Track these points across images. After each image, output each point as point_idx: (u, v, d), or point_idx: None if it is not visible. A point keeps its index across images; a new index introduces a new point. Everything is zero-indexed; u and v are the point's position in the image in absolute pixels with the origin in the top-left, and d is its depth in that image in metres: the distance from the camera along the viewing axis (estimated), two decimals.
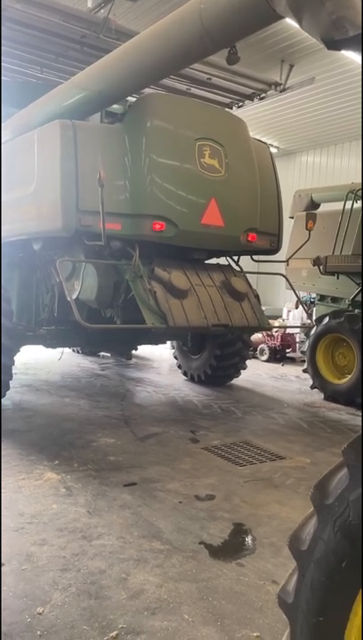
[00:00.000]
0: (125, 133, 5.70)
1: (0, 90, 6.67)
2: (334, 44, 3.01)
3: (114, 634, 2.52)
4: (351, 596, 1.29)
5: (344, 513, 1.29)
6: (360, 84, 10.55)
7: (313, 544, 1.37)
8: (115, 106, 6.33)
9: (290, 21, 3.74)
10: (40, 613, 2.65)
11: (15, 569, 3.04)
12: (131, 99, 6.60)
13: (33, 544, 3.34)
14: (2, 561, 3.10)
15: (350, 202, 8.58)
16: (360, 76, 10.28)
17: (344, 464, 1.36)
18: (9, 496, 4.03)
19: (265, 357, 11.87)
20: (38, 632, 2.51)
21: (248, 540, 3.60)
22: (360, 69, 10.01)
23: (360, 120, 12.58)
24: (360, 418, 7.20)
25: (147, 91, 6.94)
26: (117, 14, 8.09)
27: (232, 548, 3.47)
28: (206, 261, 7.00)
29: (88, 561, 3.17)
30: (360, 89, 10.78)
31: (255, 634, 2.59)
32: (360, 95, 11.01)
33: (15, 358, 6.62)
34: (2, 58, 7.71)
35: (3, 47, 7.53)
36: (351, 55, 9.43)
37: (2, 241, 6.79)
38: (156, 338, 8.00)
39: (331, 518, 1.33)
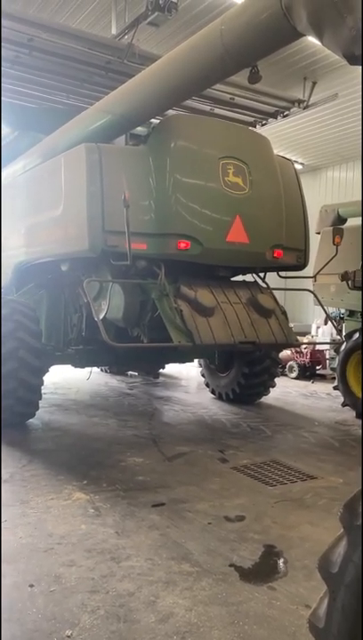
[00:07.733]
0: (149, 155, 5.78)
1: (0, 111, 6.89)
2: (355, 59, 3.02)
3: None
4: None
5: None
6: (361, 98, 10.48)
7: (344, 566, 1.32)
8: (139, 128, 6.44)
9: (312, 39, 3.76)
10: (69, 636, 2.62)
11: (44, 590, 3.03)
12: (154, 121, 6.70)
13: (62, 565, 3.32)
14: (31, 582, 3.10)
15: None
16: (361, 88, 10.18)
17: None
18: (38, 516, 4.04)
19: (294, 375, 11.71)
20: None
21: (280, 562, 3.51)
22: None
23: (361, 139, 12.54)
24: None
25: (170, 112, 7.04)
26: (141, 40, 8.25)
27: (263, 570, 3.38)
28: (233, 278, 6.99)
29: (117, 583, 3.13)
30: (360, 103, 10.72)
31: None
32: (360, 112, 10.96)
33: (44, 378, 6.71)
34: (26, 85, 7.95)
35: (28, 75, 7.77)
36: None
37: (31, 263, 6.93)
38: (183, 356, 7.99)
39: (361, 540, 1.28)
